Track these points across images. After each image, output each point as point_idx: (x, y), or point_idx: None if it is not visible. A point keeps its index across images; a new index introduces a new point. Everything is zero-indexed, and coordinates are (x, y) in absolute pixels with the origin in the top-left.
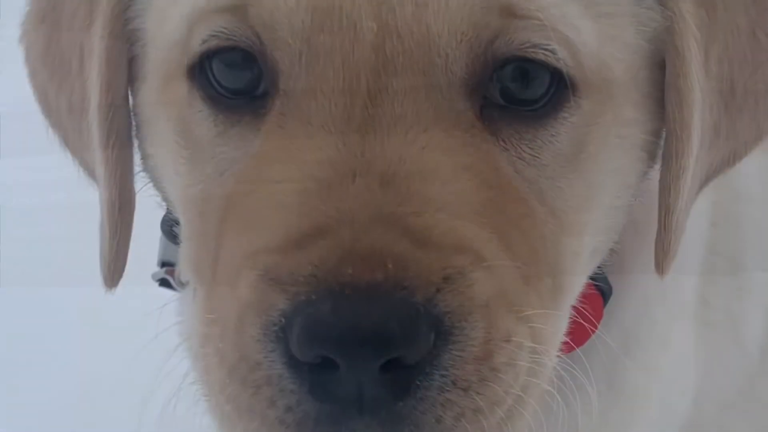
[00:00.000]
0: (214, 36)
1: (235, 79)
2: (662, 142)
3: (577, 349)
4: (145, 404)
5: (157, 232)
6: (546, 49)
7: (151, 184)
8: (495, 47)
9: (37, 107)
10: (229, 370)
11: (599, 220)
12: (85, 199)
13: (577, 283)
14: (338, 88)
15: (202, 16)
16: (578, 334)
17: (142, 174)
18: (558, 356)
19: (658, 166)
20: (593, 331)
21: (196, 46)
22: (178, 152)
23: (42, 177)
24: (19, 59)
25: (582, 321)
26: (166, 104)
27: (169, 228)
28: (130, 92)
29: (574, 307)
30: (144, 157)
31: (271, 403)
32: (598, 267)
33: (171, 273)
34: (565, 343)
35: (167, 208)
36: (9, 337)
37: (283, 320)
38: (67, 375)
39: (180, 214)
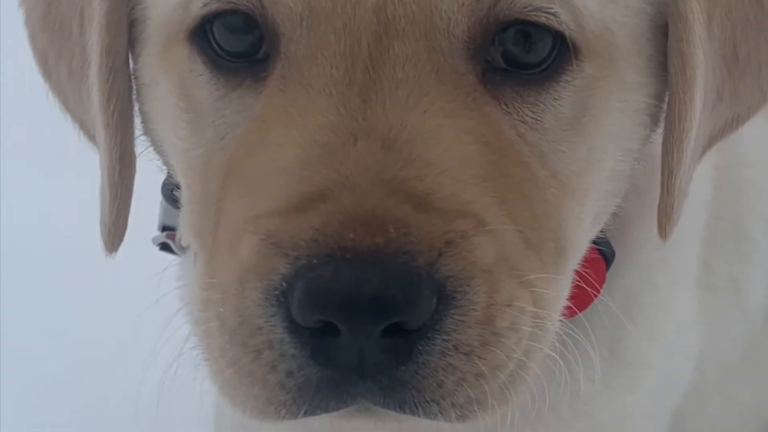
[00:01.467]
0: None
1: (236, 43)
2: (665, 106)
3: (580, 314)
4: (146, 369)
5: (158, 197)
6: (548, 13)
7: (151, 148)
8: (497, 10)
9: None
10: (229, 335)
11: (602, 184)
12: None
13: (579, 248)
14: (339, 51)
15: None
16: (580, 299)
17: (143, 138)
18: (560, 321)
19: (660, 130)
20: (595, 296)
21: (197, 9)
22: (179, 116)
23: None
24: None
25: (584, 285)
26: (166, 68)
27: (170, 192)
28: (130, 56)
29: (577, 272)
30: (144, 121)
31: (272, 367)
32: (601, 231)
33: (171, 237)
34: (568, 307)
35: (168, 172)
36: (10, 303)
37: (284, 285)
38: (67, 340)
39: (180, 178)
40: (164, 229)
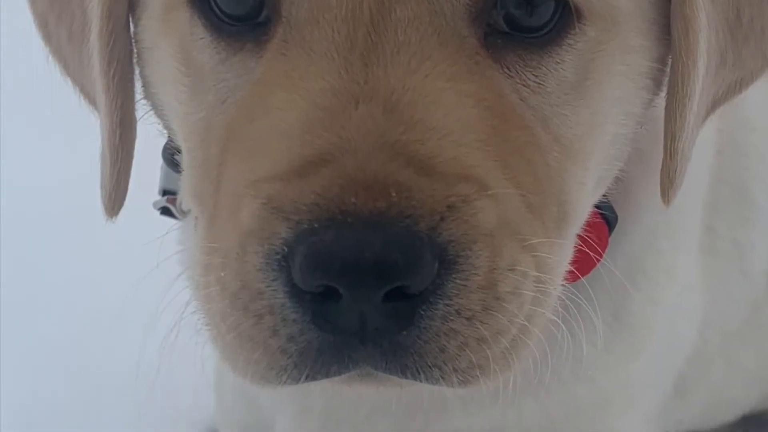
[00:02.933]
0: None
1: (237, 6)
2: (668, 70)
3: (582, 279)
4: (146, 334)
5: (159, 161)
6: None
7: (152, 112)
8: None
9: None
10: (230, 300)
11: (604, 148)
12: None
13: (582, 212)
14: (341, 15)
15: None
16: (583, 264)
17: (143, 102)
18: (562, 285)
19: (663, 94)
20: (598, 260)
21: None
22: (180, 80)
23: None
24: None
25: (587, 250)
26: (167, 32)
27: (171, 156)
28: (131, 19)
29: (579, 236)
30: (145, 85)
31: (273, 332)
32: (603, 195)
33: (172, 201)
34: (570, 272)
35: (168, 136)
36: (9, 268)
37: (285, 249)
38: (67, 305)
39: (181, 142)
40: (165, 193)
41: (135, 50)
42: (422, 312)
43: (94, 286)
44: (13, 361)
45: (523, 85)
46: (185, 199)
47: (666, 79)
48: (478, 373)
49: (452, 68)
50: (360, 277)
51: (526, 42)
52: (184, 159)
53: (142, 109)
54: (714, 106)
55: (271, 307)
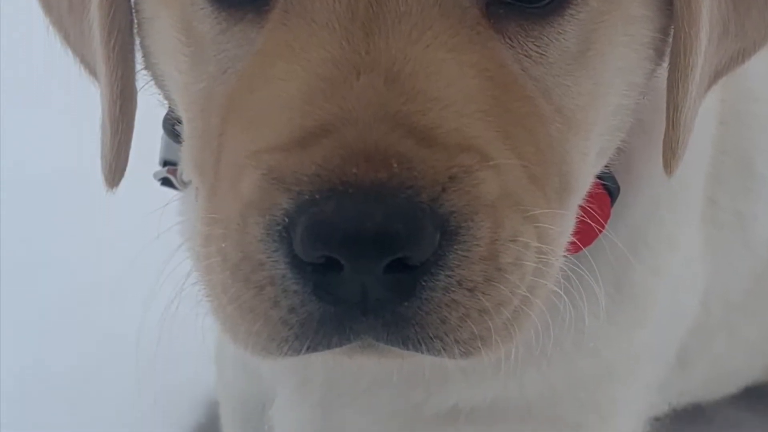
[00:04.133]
0: None
1: None
2: (670, 40)
3: (584, 249)
4: (147, 305)
5: (159, 131)
6: None
7: (152, 83)
8: None
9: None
10: (231, 271)
11: (606, 118)
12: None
13: (584, 183)
14: None
15: None
16: (585, 234)
17: (144, 72)
18: (564, 256)
19: (666, 65)
20: (600, 231)
21: None
22: (180, 50)
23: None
24: None
25: (589, 221)
26: (167, 2)
27: (171, 127)
28: None
29: (581, 207)
30: (145, 56)
31: (274, 303)
32: (606, 166)
33: (173, 172)
34: (572, 243)
35: (169, 107)
36: (10, 239)
37: (286, 220)
38: (68, 276)
39: (182, 113)
40: (165, 164)
41: (135, 20)
42: (423, 283)
43: (94, 257)
44: (14, 331)
45: (525, 56)
46: (186, 169)
47: (668, 50)
48: (479, 345)
49: (454, 39)
50: (361, 248)
51: (528, 12)
52: (185, 129)
53: (142, 79)
54: (716, 76)
55: (272, 278)
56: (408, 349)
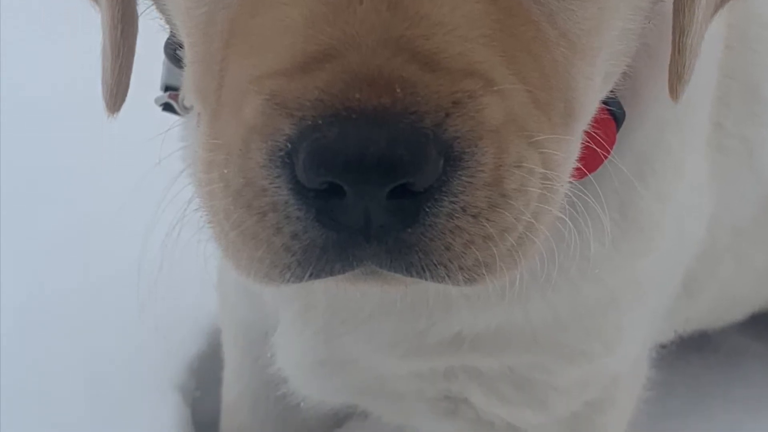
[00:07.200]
0: None
1: None
2: None
3: (589, 175)
4: (149, 231)
5: (161, 56)
6: None
7: (153, 7)
8: None
9: None
10: (233, 196)
11: (612, 43)
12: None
13: (589, 108)
14: None
15: None
16: (590, 160)
17: None
18: (569, 182)
19: None
20: (606, 157)
21: None
22: None
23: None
24: None
25: (594, 146)
26: None
27: (173, 51)
28: None
29: (587, 133)
30: None
31: (276, 230)
32: (611, 91)
33: (174, 97)
34: (577, 168)
35: (171, 31)
36: (9, 166)
37: (289, 145)
38: (68, 202)
39: (183, 38)
40: (167, 89)
41: None
42: (427, 209)
43: (95, 183)
44: (14, 258)
45: None
46: (188, 95)
47: None
48: (484, 271)
49: None
50: (364, 173)
51: None
52: (187, 54)
53: (143, 3)
54: (723, 1)
55: (275, 204)
56: (411, 275)
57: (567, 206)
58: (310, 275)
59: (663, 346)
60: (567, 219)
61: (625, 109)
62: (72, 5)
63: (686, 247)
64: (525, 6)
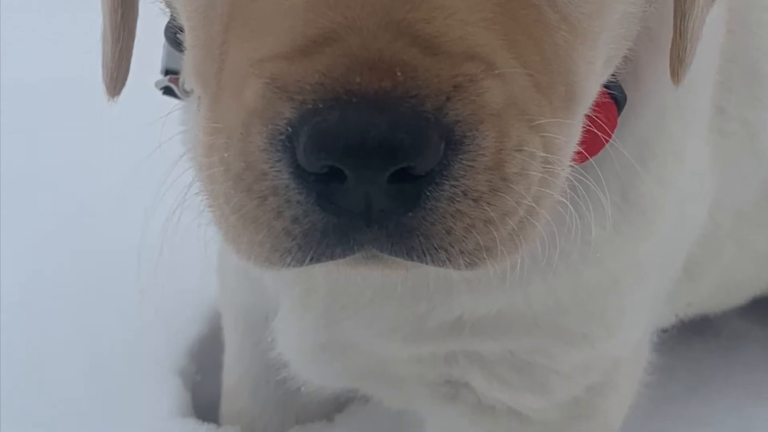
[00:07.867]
0: None
1: None
2: None
3: (591, 159)
4: (149, 215)
5: (161, 40)
6: None
7: None
8: None
9: None
10: (234, 180)
11: (613, 27)
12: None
13: (590, 92)
14: None
15: None
16: (591, 144)
17: None
18: (571, 166)
19: None
20: (607, 141)
21: None
22: None
23: None
24: None
25: (595, 130)
26: None
27: (173, 35)
28: None
29: (588, 116)
30: None
31: (277, 214)
32: (612, 75)
33: (175, 81)
34: (578, 152)
35: (171, 15)
36: (9, 149)
37: (289, 129)
38: (69, 186)
39: (184, 21)
40: (167, 72)
41: None
42: (428, 193)
43: (96, 166)
44: (14, 242)
45: None
46: (188, 78)
47: None
48: (485, 255)
49: None
50: (365, 157)
51: None
52: (187, 38)
53: None
54: None
55: (275, 188)
56: (412, 259)
57: (568, 190)
58: (311, 259)
59: (664, 331)
60: (568, 203)
61: (626, 92)
62: None
63: (687, 231)
64: None
